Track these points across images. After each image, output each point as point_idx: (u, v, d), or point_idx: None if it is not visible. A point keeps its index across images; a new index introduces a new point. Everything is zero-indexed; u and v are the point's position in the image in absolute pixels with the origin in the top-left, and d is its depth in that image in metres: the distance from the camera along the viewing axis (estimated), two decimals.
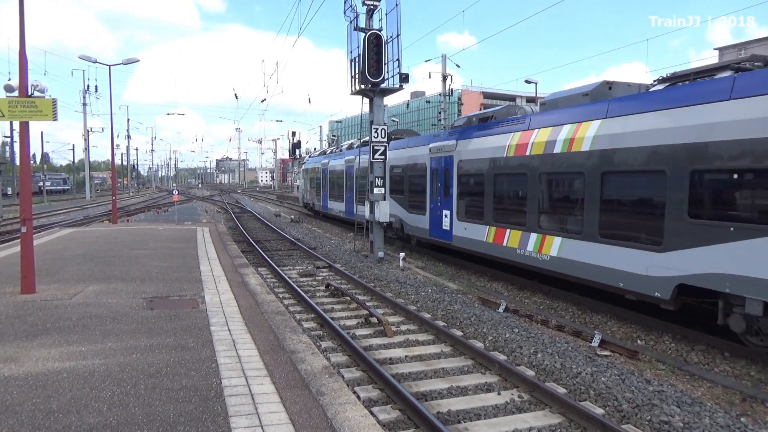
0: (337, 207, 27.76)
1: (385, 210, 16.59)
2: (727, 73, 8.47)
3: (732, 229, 7.57)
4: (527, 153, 12.04)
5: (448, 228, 15.77)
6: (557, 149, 11.07)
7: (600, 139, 9.98)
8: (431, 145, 16.93)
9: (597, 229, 10.08)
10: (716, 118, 7.84)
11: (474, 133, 14.72)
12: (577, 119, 10.74)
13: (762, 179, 7.34)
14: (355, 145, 27.48)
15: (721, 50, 63.47)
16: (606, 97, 10.74)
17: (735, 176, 7.70)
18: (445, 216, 15.91)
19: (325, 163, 30.58)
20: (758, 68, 8.40)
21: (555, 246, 11.21)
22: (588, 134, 10.28)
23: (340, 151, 29.74)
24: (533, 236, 11.86)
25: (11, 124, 43.70)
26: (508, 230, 12.84)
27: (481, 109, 22.94)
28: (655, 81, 10.36)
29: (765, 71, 8.00)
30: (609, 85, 11.32)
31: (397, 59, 16.01)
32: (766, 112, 7.19)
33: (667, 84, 9.63)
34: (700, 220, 8.08)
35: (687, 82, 9.18)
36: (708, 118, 7.96)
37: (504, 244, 12.95)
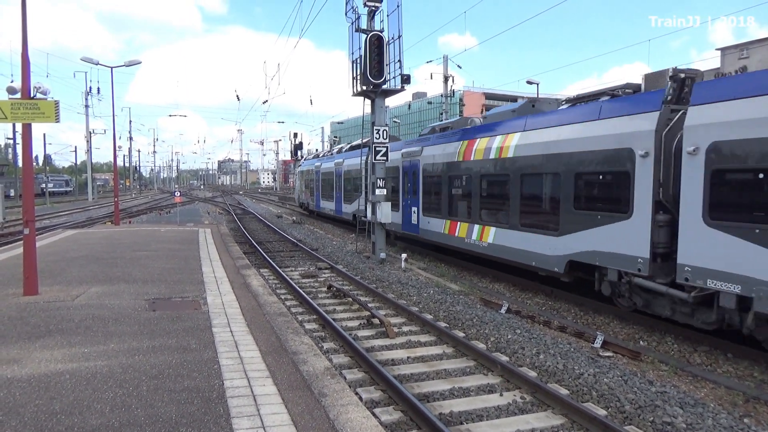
0: (328, 206, 29.72)
1: (387, 211, 16.60)
2: (606, 98, 10.66)
3: (599, 216, 10.00)
4: (471, 158, 14.37)
5: (416, 222, 17.94)
6: (492, 155, 13.44)
7: (519, 148, 12.35)
8: (403, 150, 18.82)
9: (518, 220, 12.48)
10: (589, 134, 10.23)
11: (435, 141, 16.86)
12: (506, 131, 13.08)
13: (615, 180, 9.64)
14: (344, 149, 29.18)
15: (723, 50, 63.31)
16: (530, 114, 12.99)
17: (600, 177, 10.11)
18: (414, 212, 18.06)
19: (318, 166, 32.44)
20: (627, 95, 10.34)
21: (491, 235, 13.53)
22: (512, 144, 12.63)
23: (332, 154, 31.43)
24: (476, 227, 14.24)
25: (14, 126, 43.86)
26: (458, 223, 15.18)
27: (482, 111, 23.36)
28: (563, 101, 12.81)
29: (621, 99, 10.21)
30: (533, 103, 14.05)
31: (399, 60, 16.02)
32: (617, 130, 9.53)
33: (572, 104, 11.79)
34: (581, 211, 10.49)
35: (583, 104, 11.27)
36: (585, 133, 10.35)
37: (456, 234, 15.29)
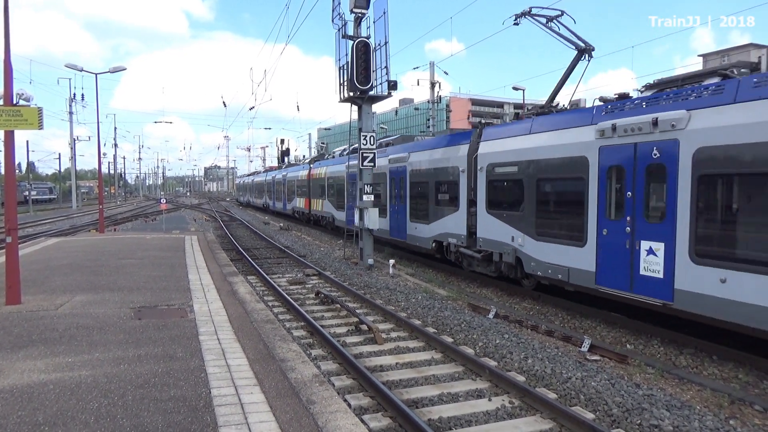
0: (245, 198, 62.44)
1: (374, 217, 16.58)
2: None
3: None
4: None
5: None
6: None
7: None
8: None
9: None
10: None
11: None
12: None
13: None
14: (256, 172, 57.44)
15: (705, 57, 64.41)
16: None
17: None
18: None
19: (243, 180, 70.56)
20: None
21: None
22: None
23: (249, 175, 59.76)
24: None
25: None
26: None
27: (468, 117, 23.73)
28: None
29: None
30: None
31: (386, 67, 16.05)
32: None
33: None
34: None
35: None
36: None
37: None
